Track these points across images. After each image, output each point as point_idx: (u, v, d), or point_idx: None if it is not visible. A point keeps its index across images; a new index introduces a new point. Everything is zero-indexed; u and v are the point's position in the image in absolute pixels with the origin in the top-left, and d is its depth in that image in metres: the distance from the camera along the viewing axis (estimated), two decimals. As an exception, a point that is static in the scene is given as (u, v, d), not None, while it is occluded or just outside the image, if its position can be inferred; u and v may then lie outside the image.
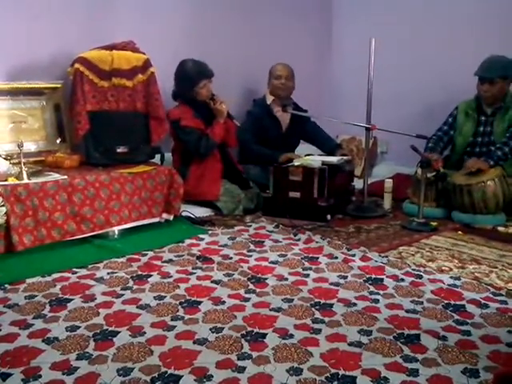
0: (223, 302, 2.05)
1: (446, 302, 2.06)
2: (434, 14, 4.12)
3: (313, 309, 1.99)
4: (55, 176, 2.66)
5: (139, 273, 2.37)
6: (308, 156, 3.59)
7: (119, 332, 1.79)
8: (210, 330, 1.82)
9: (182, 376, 1.52)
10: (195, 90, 3.41)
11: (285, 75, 3.89)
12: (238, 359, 1.62)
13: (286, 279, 2.30)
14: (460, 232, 3.05)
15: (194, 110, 3.44)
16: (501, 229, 3.10)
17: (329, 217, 3.23)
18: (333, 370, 1.56)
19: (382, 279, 2.30)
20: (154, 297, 2.10)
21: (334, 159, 3.48)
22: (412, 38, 4.24)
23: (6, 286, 2.18)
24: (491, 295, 2.13)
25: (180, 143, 3.47)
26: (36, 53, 3.09)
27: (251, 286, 2.21)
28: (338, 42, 4.87)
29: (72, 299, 2.06)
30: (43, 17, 3.10)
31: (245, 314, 1.95)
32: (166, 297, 2.10)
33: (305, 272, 2.39)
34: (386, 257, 2.58)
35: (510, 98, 3.43)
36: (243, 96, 4.15)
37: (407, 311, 1.98)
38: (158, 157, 3.29)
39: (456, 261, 2.56)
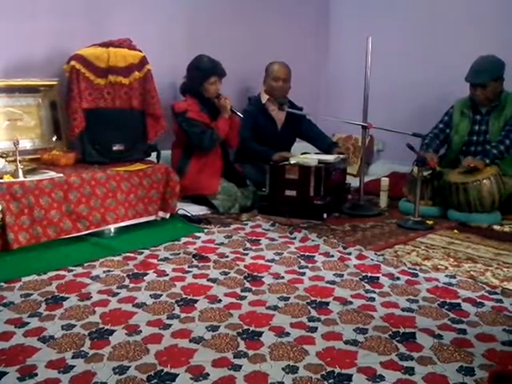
0: (219, 301, 2.05)
1: (441, 300, 2.07)
2: (431, 12, 4.12)
3: (309, 307, 1.99)
4: (51, 174, 2.66)
5: (135, 271, 2.36)
6: (304, 154, 3.59)
7: (115, 330, 1.79)
8: (206, 328, 1.82)
9: (178, 374, 1.52)
10: (205, 85, 3.44)
11: (283, 77, 3.87)
12: (234, 357, 1.62)
13: (282, 277, 2.30)
14: (456, 230, 3.06)
15: (201, 104, 3.45)
16: (496, 227, 3.11)
17: (325, 215, 3.23)
18: (329, 368, 1.56)
19: (377, 278, 2.30)
20: (150, 295, 2.09)
21: (330, 157, 3.48)
22: (408, 36, 4.25)
23: (1, 284, 2.17)
24: (487, 294, 2.14)
25: (183, 136, 3.46)
26: (32, 50, 3.08)
27: (247, 285, 2.21)
28: (335, 40, 4.87)
29: (68, 297, 2.06)
30: (39, 14, 3.08)
31: (241, 312, 1.95)
32: (162, 295, 2.10)
33: (301, 270, 2.39)
34: (382, 255, 2.59)
35: (505, 97, 3.43)
36: (239, 94, 4.14)
37: (403, 310, 1.98)
38: (154, 155, 3.28)
39: (451, 259, 2.57)
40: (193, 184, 3.37)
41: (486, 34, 3.75)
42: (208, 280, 2.26)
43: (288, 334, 1.78)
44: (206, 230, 2.99)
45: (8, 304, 1.99)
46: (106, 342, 1.71)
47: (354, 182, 3.83)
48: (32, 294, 2.09)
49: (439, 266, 2.47)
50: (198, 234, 2.91)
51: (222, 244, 2.76)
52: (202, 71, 3.44)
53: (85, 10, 3.28)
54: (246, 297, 2.09)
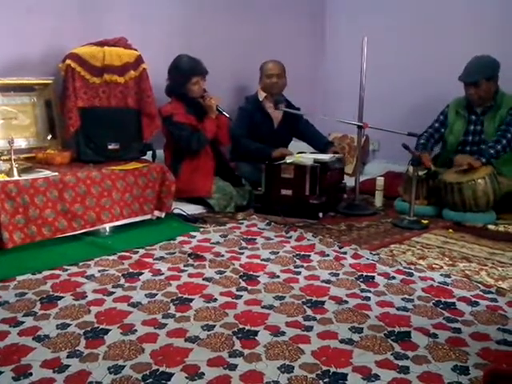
0: (215, 300, 2.05)
1: (436, 299, 2.08)
2: (426, 13, 4.12)
3: (304, 306, 2.00)
4: (46, 173, 2.64)
5: (130, 270, 2.36)
6: (300, 153, 3.59)
7: (110, 330, 1.79)
8: (202, 327, 1.81)
9: (174, 374, 1.52)
10: (187, 86, 3.41)
11: (276, 73, 3.88)
12: (230, 357, 1.62)
13: (278, 277, 2.30)
14: (451, 230, 3.06)
15: (187, 106, 3.44)
16: (491, 227, 3.12)
17: (320, 214, 3.23)
18: (324, 368, 1.56)
19: (373, 277, 2.31)
20: (146, 294, 2.09)
21: (325, 157, 3.48)
22: (404, 36, 4.25)
23: (-4, 283, 2.17)
24: (481, 293, 2.14)
25: (172, 140, 3.46)
26: (27, 48, 3.07)
27: (243, 284, 2.21)
28: (332, 40, 4.87)
29: (63, 297, 2.06)
30: (34, 12, 3.07)
31: (236, 311, 1.95)
32: (157, 294, 2.09)
33: (296, 269, 2.39)
34: (377, 254, 2.59)
35: (500, 97, 3.44)
36: (235, 93, 4.14)
37: (398, 309, 1.99)
38: (149, 154, 3.28)
39: (446, 259, 2.57)
40: (186, 186, 3.36)
41: (483, 34, 3.76)
42: (203, 279, 2.26)
43: (283, 333, 1.78)
44: (201, 229, 2.99)
45: (2, 303, 1.99)
46: (101, 342, 1.70)
47: (349, 181, 3.83)
48: (27, 294, 2.08)
49: (434, 266, 2.47)
50: (193, 233, 2.91)
51: (217, 243, 2.76)
52: (183, 73, 3.40)
53: (80, 9, 3.27)
54: (241, 296, 2.09)
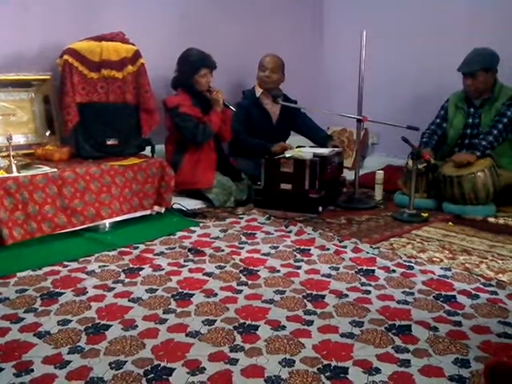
0: (215, 295, 2.05)
1: (436, 292, 2.08)
2: (426, 5, 4.11)
3: (305, 300, 2.00)
4: (45, 169, 2.64)
5: (131, 266, 2.36)
6: (299, 148, 3.58)
7: (111, 325, 1.79)
8: (203, 322, 1.82)
9: (175, 369, 1.53)
10: (195, 77, 3.42)
11: (270, 67, 3.84)
12: (231, 351, 1.62)
13: (278, 271, 2.30)
14: (450, 223, 3.06)
15: (193, 98, 3.44)
16: (491, 220, 3.12)
17: (320, 208, 3.23)
18: (325, 362, 1.57)
19: (373, 270, 2.31)
20: (146, 290, 2.09)
21: (325, 151, 3.47)
22: (404, 29, 4.23)
23: (-4, 279, 2.17)
24: (482, 286, 2.15)
25: (176, 131, 3.45)
26: (24, 44, 3.05)
27: (243, 278, 2.21)
28: (330, 33, 4.85)
29: (63, 293, 2.06)
30: (32, 7, 3.06)
31: (237, 306, 1.95)
32: (157, 290, 2.10)
33: (297, 264, 2.39)
34: (378, 248, 2.59)
35: (498, 89, 3.43)
36: (234, 88, 4.13)
37: (398, 302, 1.99)
38: (148, 149, 3.27)
39: (447, 252, 2.57)
40: (188, 179, 3.36)
41: (483, 28, 3.74)
42: (204, 274, 2.26)
43: (284, 328, 1.78)
44: (201, 224, 2.99)
45: (3, 300, 1.99)
46: (102, 337, 1.71)
47: (349, 175, 3.83)
48: (27, 290, 2.08)
49: (434, 259, 2.47)
50: (193, 228, 2.91)
51: (217, 238, 2.76)
52: (192, 64, 3.41)
53: (77, 4, 3.25)
54: (241, 291, 2.09)
